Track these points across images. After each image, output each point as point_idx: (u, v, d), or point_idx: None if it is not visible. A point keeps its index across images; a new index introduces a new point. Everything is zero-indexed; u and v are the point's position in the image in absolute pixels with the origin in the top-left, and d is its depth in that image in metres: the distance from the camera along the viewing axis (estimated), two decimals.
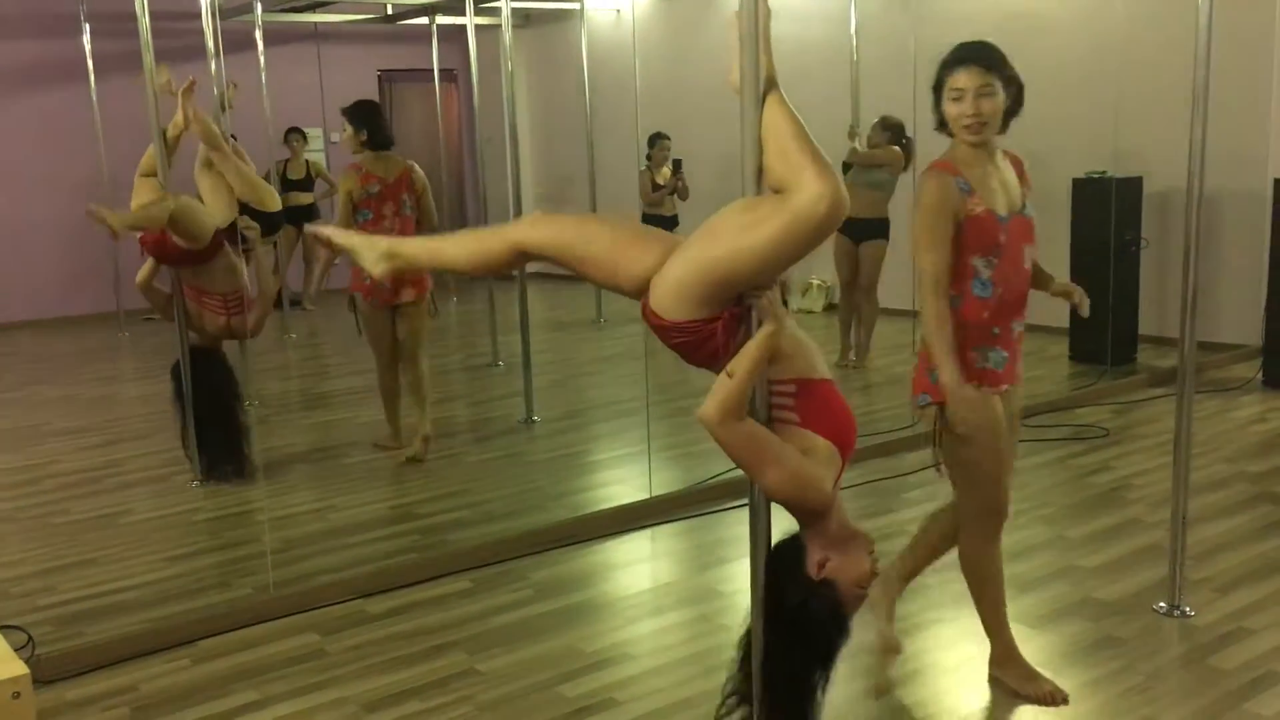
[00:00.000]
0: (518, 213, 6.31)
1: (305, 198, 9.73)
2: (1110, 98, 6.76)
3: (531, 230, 2.44)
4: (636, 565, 4.34)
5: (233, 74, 6.63)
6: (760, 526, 2.40)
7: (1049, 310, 7.69)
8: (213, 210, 5.23)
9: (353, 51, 10.61)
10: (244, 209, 5.52)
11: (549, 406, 6.51)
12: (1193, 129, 3.55)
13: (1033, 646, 3.32)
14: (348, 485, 5.27)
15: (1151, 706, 3.03)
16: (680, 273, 2.26)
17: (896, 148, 6.84)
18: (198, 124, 5.23)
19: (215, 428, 5.20)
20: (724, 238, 2.22)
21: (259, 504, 4.88)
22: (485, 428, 6.38)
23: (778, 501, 2.33)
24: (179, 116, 5.20)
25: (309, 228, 2.58)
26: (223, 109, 5.73)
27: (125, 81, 5.29)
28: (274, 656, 3.53)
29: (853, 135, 7.07)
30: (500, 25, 6.33)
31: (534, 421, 6.24)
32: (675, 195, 8.51)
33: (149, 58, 4.86)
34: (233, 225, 5.32)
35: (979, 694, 3.16)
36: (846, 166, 6.87)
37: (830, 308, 9.43)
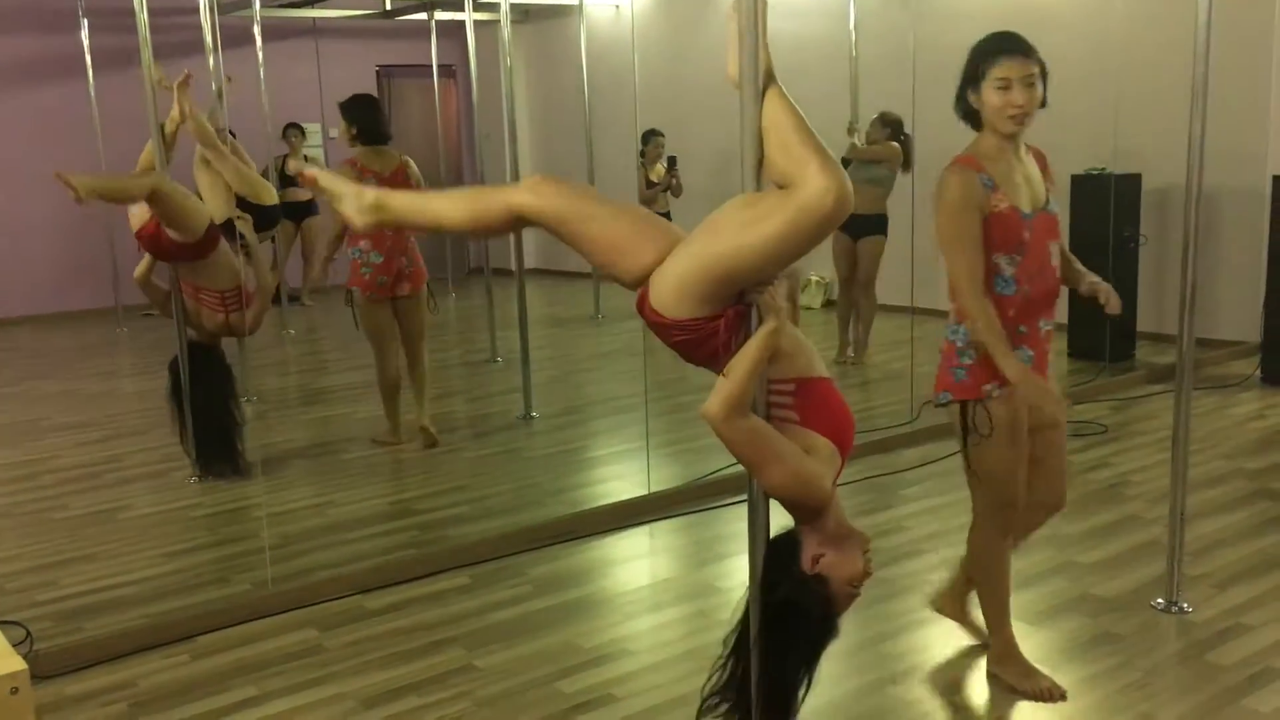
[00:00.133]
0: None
1: (303, 194, 9.71)
2: (1109, 94, 6.76)
3: (532, 197, 2.35)
4: (635, 561, 4.35)
5: (231, 69, 6.62)
6: (759, 522, 2.41)
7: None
8: (211, 207, 5.23)
9: (351, 47, 10.59)
10: (240, 204, 5.53)
11: (548, 402, 6.52)
12: (1192, 126, 3.55)
13: (1031, 642, 3.33)
14: (346, 481, 5.27)
15: (1149, 703, 3.04)
16: (682, 270, 2.24)
17: (895, 144, 6.85)
18: (191, 121, 5.22)
19: (211, 424, 5.20)
20: (727, 234, 2.20)
21: (257, 499, 4.88)
22: (484, 423, 6.38)
23: (777, 499, 2.33)
24: (175, 111, 5.20)
25: (294, 164, 2.45)
26: (219, 99, 5.70)
27: (123, 77, 5.28)
28: (272, 652, 3.53)
29: (851, 131, 7.07)
30: (499, 21, 6.33)
31: (532, 417, 6.24)
32: (669, 192, 8.50)
33: (147, 53, 4.85)
34: (230, 222, 5.32)
35: (977, 690, 3.16)
36: (845, 163, 6.86)
37: (829, 304, 9.43)
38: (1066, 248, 3.15)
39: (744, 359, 2.21)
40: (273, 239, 7.03)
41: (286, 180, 9.54)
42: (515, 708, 3.14)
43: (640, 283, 2.35)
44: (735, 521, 4.38)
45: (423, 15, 10.10)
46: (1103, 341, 6.89)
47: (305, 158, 9.63)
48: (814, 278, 9.44)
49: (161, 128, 5.03)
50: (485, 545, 4.31)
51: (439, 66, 10.10)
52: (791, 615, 2.34)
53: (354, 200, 2.43)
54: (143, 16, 4.82)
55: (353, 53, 10.52)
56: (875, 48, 7.46)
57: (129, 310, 9.08)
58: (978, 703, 3.11)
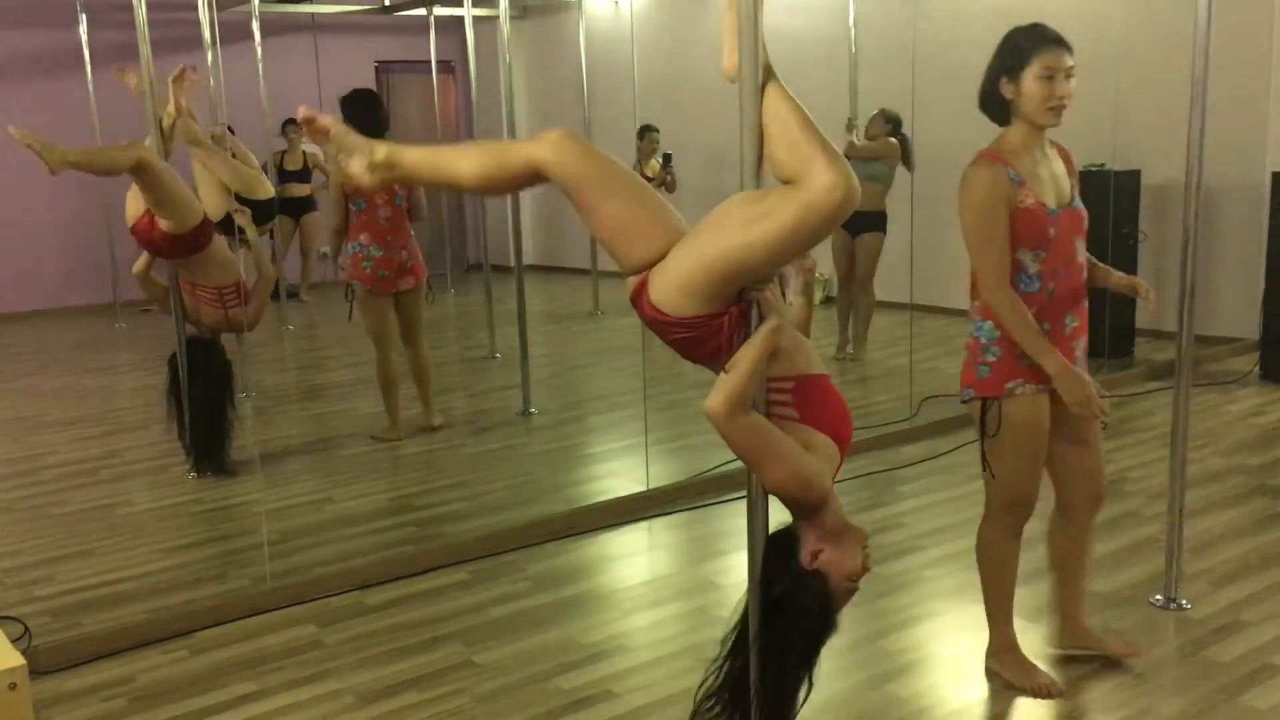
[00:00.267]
0: (515, 208, 6.31)
1: (302, 189, 9.73)
2: (1109, 91, 6.75)
3: (554, 154, 2.26)
4: (634, 557, 4.35)
5: (230, 65, 6.61)
6: (758, 519, 2.40)
7: None
8: (208, 205, 5.22)
9: (350, 42, 10.58)
10: (237, 198, 5.52)
11: (546, 398, 6.52)
12: (1191, 122, 3.55)
13: (1029, 638, 3.33)
14: (345, 477, 5.27)
15: (1148, 699, 3.04)
16: (687, 268, 2.22)
17: (894, 140, 6.84)
18: (181, 122, 5.20)
19: (207, 421, 5.19)
20: (732, 231, 2.17)
21: (256, 495, 4.88)
22: (482, 420, 6.38)
23: (777, 496, 2.33)
24: (172, 106, 5.19)
25: (304, 110, 2.27)
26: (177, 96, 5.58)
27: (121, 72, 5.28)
28: (272, 648, 3.54)
29: (850, 128, 7.07)
30: (498, 16, 6.32)
31: (531, 413, 6.24)
32: (663, 188, 8.49)
33: (145, 48, 4.85)
34: (228, 218, 5.31)
35: (975, 686, 3.16)
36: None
37: (828, 300, 9.43)
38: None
39: (746, 356, 2.20)
40: (270, 234, 7.03)
41: (285, 176, 9.55)
42: (513, 704, 3.14)
43: (637, 271, 2.33)
44: (734, 518, 4.38)
45: (421, 11, 10.10)
46: (1102, 338, 6.89)
47: (304, 153, 9.64)
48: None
49: (159, 122, 5.02)
50: (484, 541, 4.31)
51: (438, 62, 10.11)
52: (790, 611, 2.33)
53: (365, 156, 2.31)
54: (141, 12, 4.82)
55: (351, 49, 10.51)
56: (875, 44, 7.45)
57: (127, 306, 9.09)
58: (976, 699, 3.11)
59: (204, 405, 5.17)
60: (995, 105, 2.94)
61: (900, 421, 5.71)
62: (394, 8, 10.33)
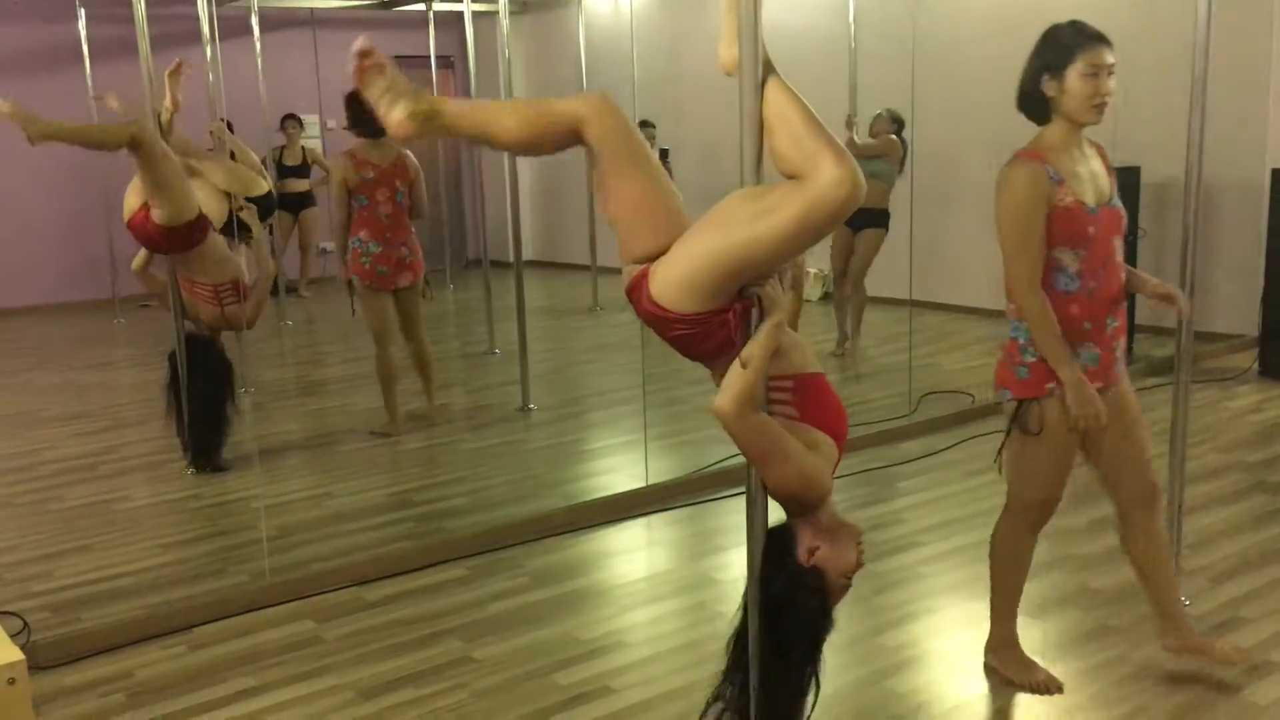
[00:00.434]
0: (515, 204, 6.30)
1: (301, 184, 9.72)
2: None
3: (594, 113, 2.27)
4: (632, 553, 4.35)
5: (229, 60, 6.61)
6: (757, 515, 2.40)
7: None
8: (207, 209, 5.23)
9: (349, 37, 10.41)
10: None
11: (545, 395, 6.51)
12: (1191, 119, 3.55)
13: (1028, 635, 3.33)
14: (344, 472, 5.26)
15: (1146, 695, 3.04)
16: (690, 264, 2.21)
17: (895, 138, 6.84)
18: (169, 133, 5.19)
19: (204, 418, 5.19)
20: (736, 227, 2.17)
21: (255, 491, 4.88)
22: (481, 416, 6.38)
23: (779, 494, 2.33)
24: (169, 100, 5.19)
25: (360, 40, 2.22)
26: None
27: (121, 67, 5.26)
28: (270, 643, 3.53)
29: (850, 125, 7.06)
30: (497, 12, 6.31)
31: (530, 409, 6.24)
32: None
33: (144, 43, 4.84)
34: (231, 220, 5.32)
35: (974, 682, 3.17)
36: None
37: (827, 296, 9.43)
38: None
39: (753, 354, 2.19)
40: (270, 229, 7.03)
41: (284, 171, 9.55)
42: (512, 699, 3.14)
43: (638, 261, 2.32)
44: (733, 514, 4.38)
45: (421, 6, 10.09)
46: None
47: (303, 148, 9.63)
48: (813, 270, 9.44)
49: (158, 116, 5.01)
50: (483, 537, 4.30)
51: (437, 58, 10.10)
52: (790, 609, 2.34)
53: (405, 101, 2.26)
54: (140, 6, 4.81)
55: (350, 44, 10.47)
56: (874, 40, 7.44)
57: (126, 301, 9.08)
58: (975, 695, 3.11)
59: (202, 402, 5.17)
60: (1035, 103, 2.91)
61: (899, 418, 5.71)
62: (393, 3, 10.33)
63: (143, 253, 5.30)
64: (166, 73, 5.16)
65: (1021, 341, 2.95)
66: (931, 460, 5.16)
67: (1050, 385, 2.90)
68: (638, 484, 4.85)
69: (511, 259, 6.40)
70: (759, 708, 2.40)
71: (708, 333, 2.26)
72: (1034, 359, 2.92)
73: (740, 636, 2.47)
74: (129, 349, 8.61)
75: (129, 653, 3.49)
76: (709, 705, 2.53)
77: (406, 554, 4.16)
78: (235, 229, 5.33)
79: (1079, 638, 3.39)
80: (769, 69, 2.26)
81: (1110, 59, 2.83)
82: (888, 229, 7.00)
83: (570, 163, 10.07)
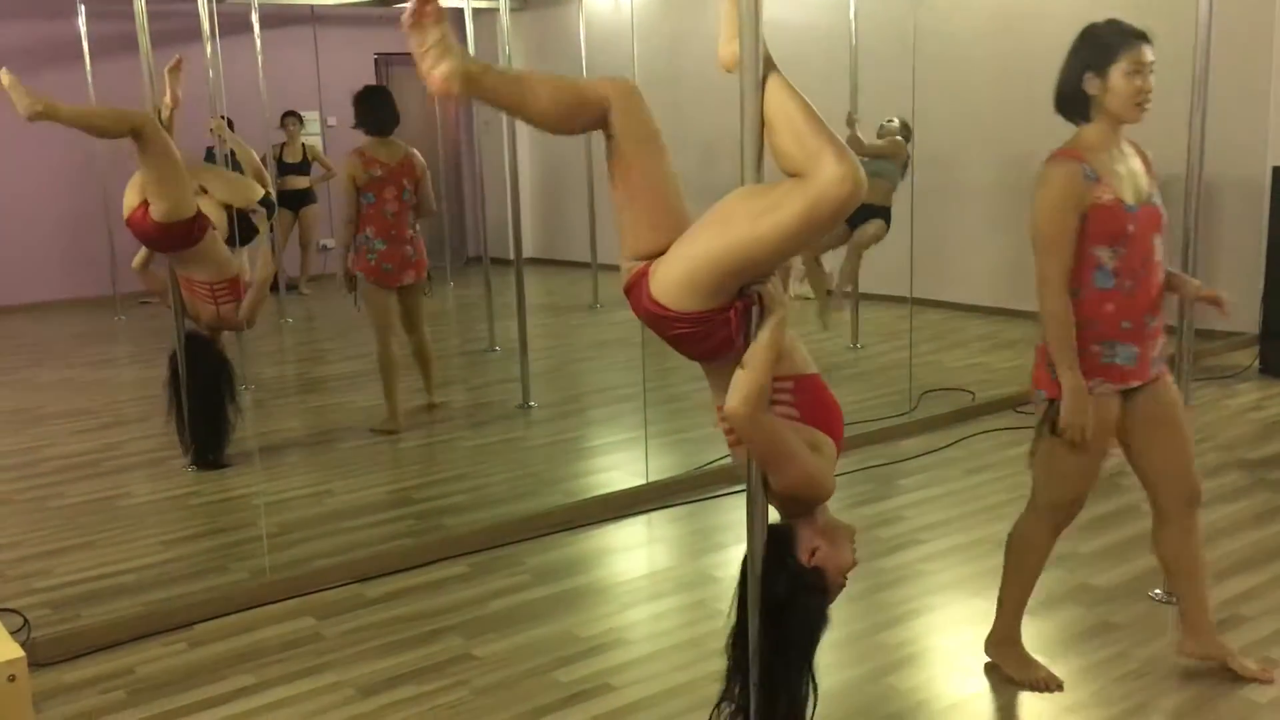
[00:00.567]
0: (515, 201, 6.30)
1: (301, 181, 9.72)
2: None
3: (620, 96, 2.28)
4: (633, 551, 4.35)
5: (229, 57, 6.60)
6: (757, 513, 2.40)
7: None
8: (208, 210, 5.24)
9: (349, 34, 10.57)
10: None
11: (546, 392, 6.51)
12: (1192, 117, 3.55)
13: (1028, 632, 3.32)
14: (344, 469, 5.27)
15: (1146, 693, 3.04)
16: (692, 263, 2.20)
17: (901, 139, 6.83)
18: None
19: (202, 416, 5.20)
20: (738, 225, 2.16)
21: (255, 488, 4.88)
22: (482, 413, 6.38)
23: (783, 495, 2.33)
24: (168, 97, 5.19)
25: None
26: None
27: (121, 64, 5.25)
28: (270, 640, 3.54)
29: (851, 122, 7.06)
30: (498, 9, 6.30)
31: (530, 407, 6.24)
32: None
33: (144, 40, 4.84)
34: (240, 222, 5.35)
35: (974, 679, 3.17)
36: None
37: (827, 294, 9.43)
38: None
39: (759, 354, 2.19)
40: (270, 227, 7.03)
41: (284, 168, 9.54)
42: (513, 697, 3.14)
43: (639, 258, 2.31)
44: (733, 511, 4.38)
45: None
46: None
47: (303, 145, 9.62)
48: None
49: (159, 113, 5.01)
50: (483, 534, 4.31)
51: None
52: (794, 609, 2.35)
53: (448, 58, 2.21)
54: (140, 3, 4.81)
55: (351, 41, 10.50)
56: (875, 37, 7.44)
57: (127, 298, 9.08)
58: (975, 693, 3.11)
59: (200, 401, 5.17)
60: (1076, 103, 2.89)
61: (899, 415, 5.71)
62: (393, 0, 10.31)
63: (143, 250, 5.30)
64: (166, 69, 5.16)
65: None
66: (932, 458, 5.16)
67: (1090, 384, 2.86)
68: (638, 481, 4.85)
69: (512, 256, 6.40)
70: (761, 707, 2.40)
71: (709, 332, 2.26)
72: None
73: (739, 636, 2.47)
74: (129, 346, 8.62)
75: (129, 649, 3.49)
76: (719, 703, 2.53)
77: (407, 551, 4.17)
78: (236, 234, 5.34)
79: (1079, 635, 3.39)
80: (770, 66, 2.26)
81: (1151, 56, 2.82)
82: (889, 223, 6.99)
83: (571, 161, 10.09)
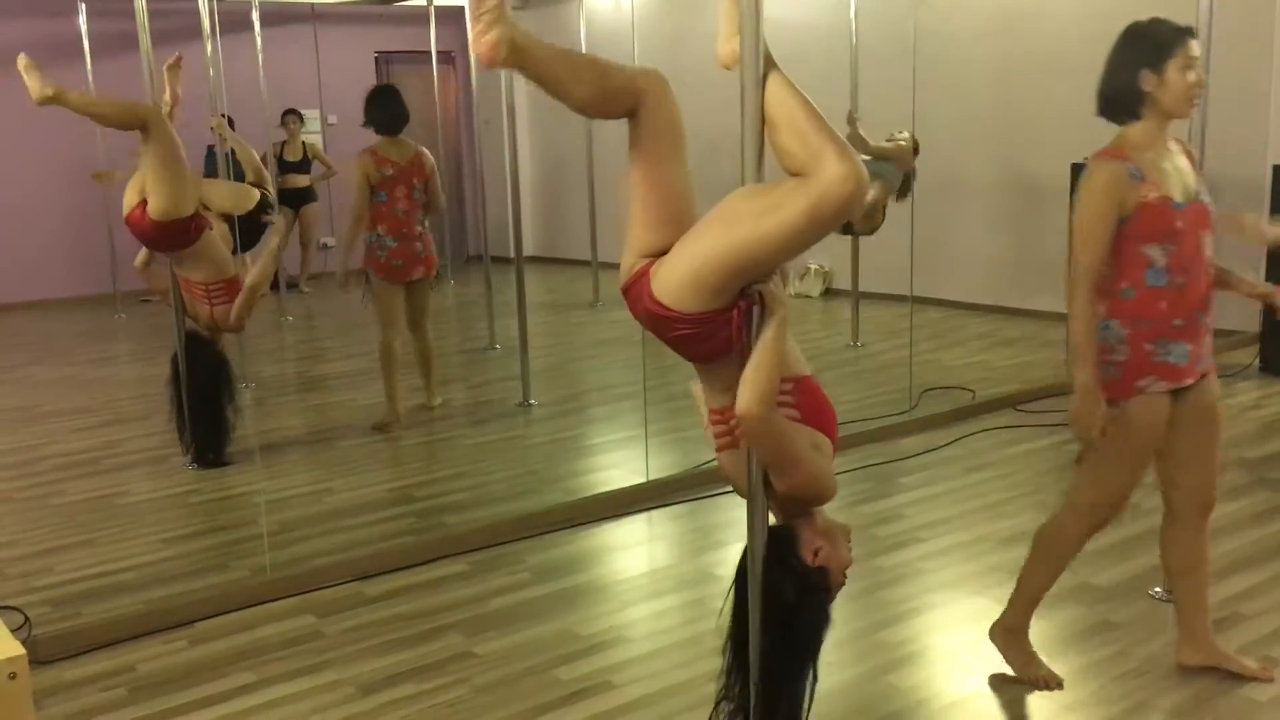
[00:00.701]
0: (515, 199, 6.30)
1: (302, 180, 9.71)
2: None
3: (658, 92, 2.29)
4: (633, 549, 4.35)
5: (229, 55, 6.60)
6: (757, 512, 2.40)
7: (1046, 296, 7.71)
8: (216, 227, 5.29)
9: (350, 33, 10.57)
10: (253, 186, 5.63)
11: (546, 390, 6.51)
12: (1192, 116, 3.54)
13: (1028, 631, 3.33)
14: (345, 467, 5.27)
15: (1147, 691, 3.04)
16: (696, 262, 2.19)
17: (907, 145, 6.78)
18: None
19: (201, 414, 5.20)
20: (742, 224, 2.16)
21: (256, 486, 4.88)
22: (482, 411, 6.38)
23: (787, 496, 2.33)
24: (168, 95, 5.19)
25: None
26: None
27: (121, 62, 5.25)
28: (271, 638, 3.54)
29: (852, 121, 7.05)
30: None
31: (531, 405, 6.24)
32: None
33: (145, 38, 4.84)
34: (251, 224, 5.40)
35: (975, 678, 3.17)
36: None
37: (828, 293, 9.44)
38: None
39: (767, 353, 2.19)
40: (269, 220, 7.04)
41: (285, 167, 9.54)
42: (513, 694, 3.14)
43: (644, 253, 2.31)
44: (733, 509, 4.38)
45: (422, 1, 10.06)
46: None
47: (304, 144, 9.62)
48: (813, 266, 9.44)
49: None
50: (483, 532, 4.31)
51: (438, 53, 10.07)
52: (803, 610, 2.36)
53: (508, 31, 2.18)
54: (141, 2, 4.81)
55: (351, 39, 10.49)
56: (875, 37, 7.44)
57: (127, 296, 9.08)
58: (976, 691, 3.11)
59: (198, 400, 5.18)
60: (1127, 102, 2.86)
61: (900, 413, 5.71)
62: None
63: (144, 250, 5.31)
64: (165, 67, 5.16)
65: (1110, 341, 2.87)
66: (932, 456, 5.16)
67: (1140, 382, 2.84)
68: (638, 479, 4.85)
69: (512, 254, 6.40)
70: (763, 706, 2.40)
71: (711, 333, 2.25)
72: (1123, 359, 2.86)
73: (738, 636, 2.47)
74: (130, 344, 8.62)
75: (130, 647, 3.50)
76: (718, 703, 2.53)
77: (407, 549, 4.17)
78: (237, 239, 5.36)
79: (1079, 633, 3.39)
80: (770, 64, 2.26)
81: (1198, 51, 2.83)
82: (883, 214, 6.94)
83: (571, 159, 10.08)
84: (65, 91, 4.68)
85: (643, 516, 4.56)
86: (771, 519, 2.43)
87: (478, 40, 2.18)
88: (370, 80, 10.07)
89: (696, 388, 2.53)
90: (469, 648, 3.42)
